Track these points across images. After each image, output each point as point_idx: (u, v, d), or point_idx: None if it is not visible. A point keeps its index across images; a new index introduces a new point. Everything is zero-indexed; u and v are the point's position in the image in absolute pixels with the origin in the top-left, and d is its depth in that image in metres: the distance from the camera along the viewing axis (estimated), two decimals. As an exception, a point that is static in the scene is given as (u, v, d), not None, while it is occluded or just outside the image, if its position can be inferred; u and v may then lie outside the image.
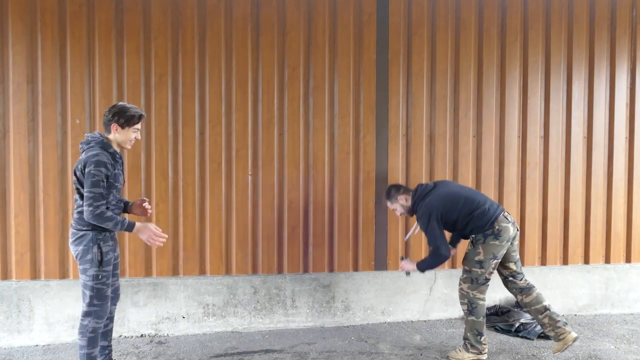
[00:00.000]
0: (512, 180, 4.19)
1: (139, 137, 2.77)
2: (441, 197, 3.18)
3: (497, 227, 3.12)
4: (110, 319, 2.87)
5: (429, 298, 4.11)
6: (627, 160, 4.34)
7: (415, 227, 3.45)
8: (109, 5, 3.65)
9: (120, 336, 3.70)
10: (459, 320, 4.10)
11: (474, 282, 3.18)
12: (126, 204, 2.88)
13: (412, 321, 4.09)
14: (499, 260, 3.18)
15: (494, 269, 3.17)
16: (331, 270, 4.00)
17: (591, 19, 4.26)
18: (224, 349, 3.50)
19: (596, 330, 3.90)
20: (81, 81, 3.63)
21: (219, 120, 3.81)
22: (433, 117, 4.09)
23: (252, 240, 3.88)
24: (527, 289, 3.26)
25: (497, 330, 3.86)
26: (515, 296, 3.31)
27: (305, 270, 3.97)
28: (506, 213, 3.22)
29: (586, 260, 4.31)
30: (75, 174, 2.62)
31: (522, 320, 3.80)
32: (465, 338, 3.26)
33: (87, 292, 2.65)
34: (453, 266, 4.15)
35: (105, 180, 2.56)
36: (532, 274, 4.22)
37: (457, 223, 3.19)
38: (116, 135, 2.68)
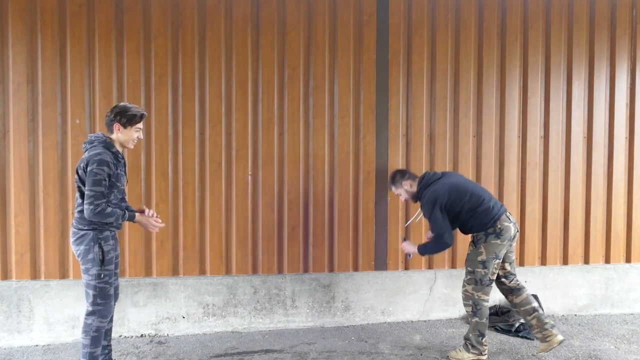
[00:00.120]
0: (512, 180, 4.19)
1: (141, 137, 2.81)
2: (447, 186, 3.16)
3: (498, 226, 3.13)
4: (110, 318, 2.87)
5: (429, 298, 4.11)
6: (627, 160, 4.34)
7: (417, 215, 3.44)
8: (109, 5, 3.65)
9: (120, 336, 3.70)
10: (459, 320, 4.10)
11: (478, 283, 3.17)
12: (127, 208, 2.87)
13: (412, 321, 4.09)
14: (501, 261, 3.18)
15: (496, 269, 3.17)
16: (331, 270, 4.00)
17: (591, 19, 4.26)
18: (224, 349, 3.50)
19: (596, 330, 3.90)
20: (81, 81, 3.64)
21: (219, 120, 3.81)
22: (433, 117, 4.09)
23: (252, 240, 3.88)
24: (518, 290, 3.29)
25: (497, 330, 3.86)
26: (506, 296, 3.34)
27: (305, 270, 3.97)
28: (508, 213, 3.22)
29: (586, 260, 4.31)
30: (77, 173, 2.64)
31: (522, 320, 3.80)
32: (466, 338, 3.26)
33: (90, 292, 2.65)
34: (453, 266, 4.15)
35: (107, 179, 2.58)
36: (532, 274, 4.22)
37: (459, 216, 3.18)
38: (119, 134, 2.71)
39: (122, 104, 2.74)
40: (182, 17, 3.74)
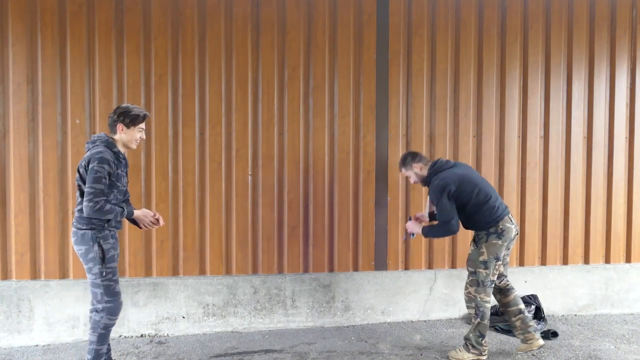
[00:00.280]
0: (512, 180, 4.19)
1: (144, 137, 2.85)
2: (458, 176, 3.14)
3: (500, 227, 3.13)
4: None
5: (429, 298, 4.11)
6: (627, 160, 4.34)
7: (428, 205, 3.40)
8: (109, 5, 3.65)
9: (120, 336, 3.70)
10: (459, 320, 4.10)
11: (480, 284, 3.17)
12: (130, 212, 2.87)
13: (412, 321, 4.09)
14: (500, 262, 3.19)
15: (497, 270, 3.17)
16: (331, 270, 4.00)
17: (591, 19, 4.26)
18: (224, 349, 3.50)
19: (596, 330, 3.90)
20: (81, 81, 3.64)
21: (219, 120, 3.81)
22: (433, 117, 4.09)
23: (252, 240, 3.88)
24: (507, 291, 3.33)
25: (497, 330, 3.86)
26: (495, 295, 3.36)
27: (305, 270, 3.97)
28: (510, 215, 3.23)
29: (586, 260, 4.31)
30: (78, 172, 2.67)
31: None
32: (466, 338, 3.26)
33: (97, 290, 2.68)
34: (453, 266, 4.15)
35: (107, 177, 2.60)
36: (532, 274, 4.22)
37: (465, 209, 3.15)
38: (122, 135, 2.74)
39: (124, 104, 2.78)
40: (182, 17, 3.74)
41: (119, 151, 2.73)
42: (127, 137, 2.75)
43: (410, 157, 3.34)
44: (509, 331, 3.78)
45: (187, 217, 3.78)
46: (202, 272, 3.83)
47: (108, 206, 2.59)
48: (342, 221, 3.99)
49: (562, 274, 4.28)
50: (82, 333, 3.63)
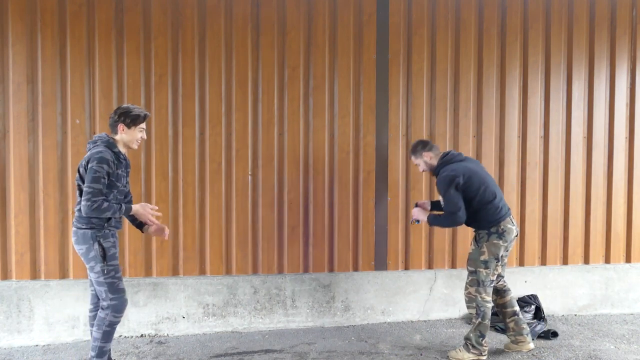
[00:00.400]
0: (512, 180, 4.19)
1: (145, 137, 2.85)
2: (468, 170, 3.13)
3: (502, 227, 3.14)
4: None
5: (429, 298, 4.11)
6: (627, 160, 4.34)
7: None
8: (109, 5, 3.65)
9: (120, 336, 3.70)
10: (459, 320, 4.10)
11: (480, 284, 3.18)
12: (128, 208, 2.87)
13: (412, 321, 4.08)
14: (499, 262, 3.19)
15: (496, 270, 3.18)
16: (331, 270, 4.00)
17: (591, 19, 4.26)
18: (224, 349, 3.50)
19: (596, 330, 3.90)
20: (81, 81, 3.64)
21: (219, 120, 3.81)
22: (433, 117, 4.09)
23: (252, 240, 3.88)
24: (503, 292, 3.34)
25: (497, 330, 3.86)
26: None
27: (305, 270, 3.97)
28: (511, 216, 3.24)
29: (586, 260, 4.31)
30: (78, 171, 2.68)
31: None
32: (467, 338, 3.26)
33: (101, 288, 2.68)
34: (453, 266, 4.15)
35: (106, 177, 2.60)
36: (532, 274, 4.22)
37: (471, 204, 3.15)
38: (123, 135, 2.75)
39: (125, 105, 2.79)
40: (182, 17, 3.74)
41: (119, 151, 2.74)
42: (128, 137, 2.76)
43: (421, 146, 3.33)
44: (509, 331, 3.78)
45: (187, 217, 3.78)
46: (202, 272, 3.83)
47: (105, 204, 2.59)
48: (342, 221, 3.99)
49: (562, 274, 4.28)
50: (82, 333, 3.63)
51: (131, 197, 2.96)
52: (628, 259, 4.36)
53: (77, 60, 3.63)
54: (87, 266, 2.68)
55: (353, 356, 3.36)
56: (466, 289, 3.26)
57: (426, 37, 4.05)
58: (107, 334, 2.72)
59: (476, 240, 3.22)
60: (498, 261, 3.16)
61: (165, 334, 3.77)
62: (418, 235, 4.08)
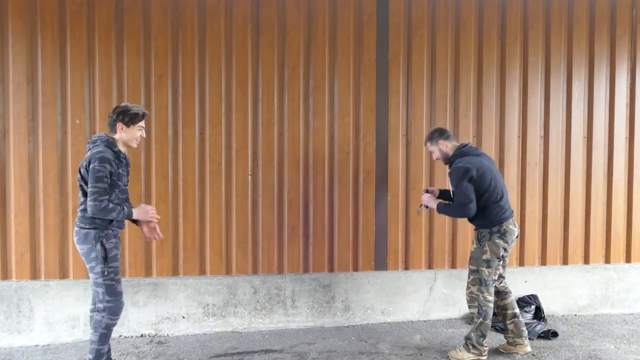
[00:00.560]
0: (512, 180, 4.19)
1: (144, 135, 2.85)
2: (482, 165, 3.14)
3: (504, 227, 3.15)
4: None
5: (429, 298, 4.11)
6: (627, 160, 4.34)
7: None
8: (109, 5, 3.65)
9: (120, 336, 3.70)
10: (459, 320, 4.10)
11: (482, 283, 3.18)
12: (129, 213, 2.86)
13: (412, 321, 4.08)
14: (500, 262, 3.19)
15: (497, 270, 3.18)
16: (331, 270, 4.00)
17: (591, 19, 4.26)
18: (224, 349, 3.50)
19: (596, 330, 3.90)
20: (81, 81, 3.64)
21: (219, 120, 3.81)
22: (433, 117, 4.09)
23: (252, 240, 3.88)
24: (505, 294, 3.35)
25: (497, 330, 3.86)
26: None
27: (305, 270, 3.97)
28: (513, 218, 3.26)
29: (586, 260, 4.31)
30: (79, 172, 2.68)
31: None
32: (467, 338, 3.26)
33: (99, 290, 2.68)
34: (453, 266, 4.15)
35: (108, 177, 2.60)
36: (532, 274, 4.22)
37: (479, 200, 3.15)
38: (122, 134, 2.75)
39: (123, 104, 2.79)
40: (182, 17, 3.74)
41: (119, 150, 2.74)
42: (128, 136, 2.76)
43: (438, 133, 3.32)
44: (509, 331, 3.78)
45: (187, 217, 3.78)
46: (202, 272, 3.83)
47: (111, 205, 2.60)
48: (342, 221, 3.99)
49: (562, 274, 4.28)
50: (82, 333, 3.63)
51: (128, 195, 2.94)
52: (628, 259, 4.36)
53: (77, 60, 3.63)
54: (88, 266, 2.69)
55: (353, 356, 3.36)
56: (468, 288, 3.26)
57: (426, 37, 4.05)
58: (104, 337, 2.71)
59: (478, 239, 3.22)
60: (499, 260, 3.17)
61: (165, 334, 3.77)
62: (418, 235, 4.08)
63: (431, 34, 4.07)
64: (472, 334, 3.23)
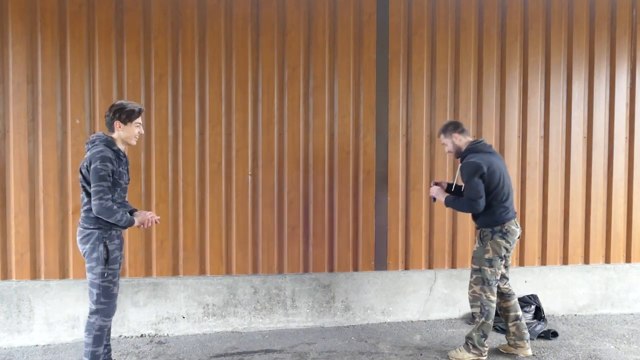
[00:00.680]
0: (512, 180, 4.17)
1: (142, 132, 2.84)
2: (493, 164, 3.14)
3: (506, 228, 3.16)
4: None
5: (429, 298, 4.11)
6: (627, 160, 4.34)
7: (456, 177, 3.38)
8: (109, 5, 3.65)
9: (120, 336, 3.70)
10: (459, 320, 4.10)
11: (485, 282, 3.17)
12: (131, 212, 2.87)
13: (412, 321, 4.08)
14: (502, 262, 3.20)
15: (499, 270, 3.19)
16: (331, 270, 4.00)
17: (591, 19, 4.26)
18: (224, 349, 3.50)
19: (596, 330, 3.90)
20: (81, 81, 3.64)
21: (219, 120, 3.81)
22: (433, 117, 4.09)
23: (252, 240, 3.88)
24: (508, 295, 3.34)
25: (497, 330, 3.86)
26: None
27: (305, 270, 3.97)
28: (516, 219, 3.26)
29: (586, 260, 4.31)
30: (80, 173, 2.66)
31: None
32: (468, 337, 3.26)
33: (94, 290, 2.67)
34: (453, 266, 4.15)
35: (110, 175, 2.60)
36: (532, 274, 4.22)
37: (487, 197, 3.14)
38: (120, 132, 2.73)
39: (118, 102, 2.77)
40: (182, 17, 3.74)
41: (119, 149, 2.73)
42: (126, 134, 2.74)
43: (452, 126, 3.32)
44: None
45: (187, 217, 3.78)
46: (202, 272, 3.83)
47: (115, 207, 2.60)
48: (342, 221, 3.99)
49: (562, 274, 4.28)
50: (82, 333, 3.63)
51: (125, 195, 2.93)
52: (628, 259, 4.36)
53: (77, 60, 3.62)
54: (87, 265, 2.67)
55: (353, 356, 3.36)
56: (470, 287, 3.26)
57: (426, 37, 4.05)
58: (98, 338, 2.70)
59: (480, 238, 3.23)
60: (502, 260, 3.17)
61: (165, 334, 3.77)
62: (418, 235, 4.08)
63: (431, 34, 4.07)
64: (474, 334, 3.22)
